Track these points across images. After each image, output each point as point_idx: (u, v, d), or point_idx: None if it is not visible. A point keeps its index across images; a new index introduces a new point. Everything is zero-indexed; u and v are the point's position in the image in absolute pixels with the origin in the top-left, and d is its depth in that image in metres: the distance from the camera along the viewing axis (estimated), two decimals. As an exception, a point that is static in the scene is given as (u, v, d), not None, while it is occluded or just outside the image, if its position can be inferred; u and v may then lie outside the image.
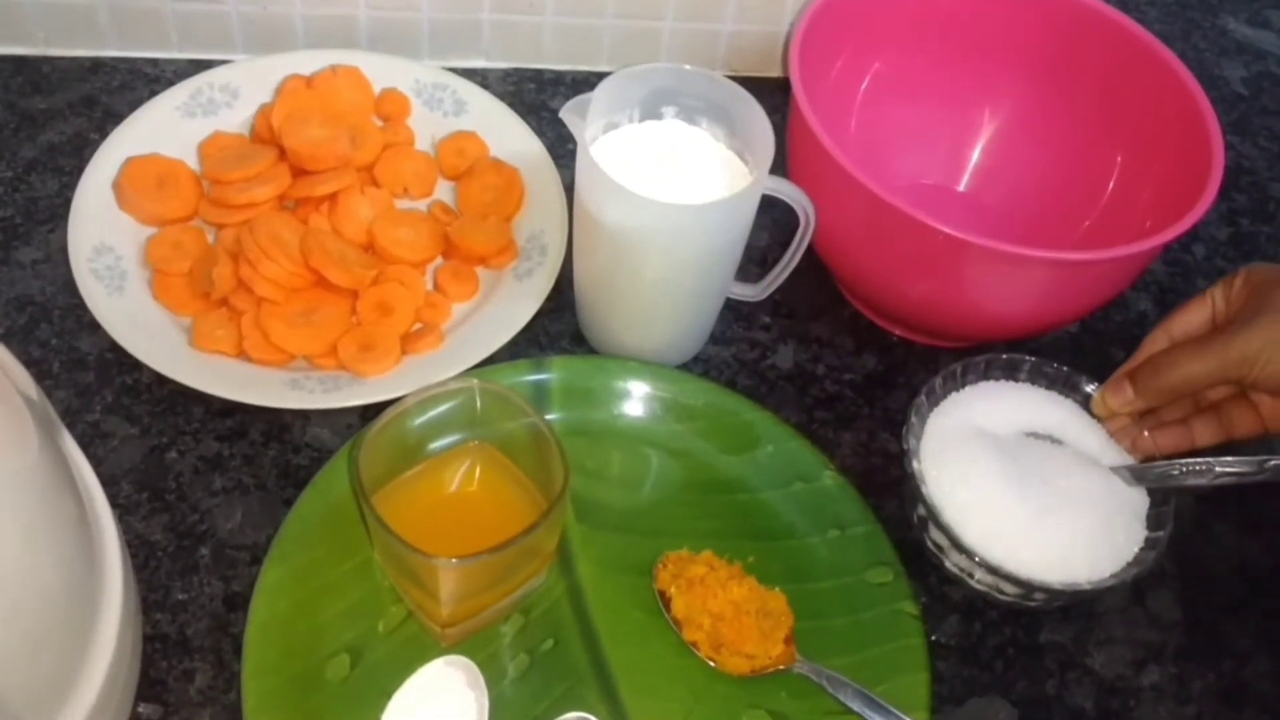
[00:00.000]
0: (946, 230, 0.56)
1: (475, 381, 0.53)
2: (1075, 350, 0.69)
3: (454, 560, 0.47)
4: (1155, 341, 0.59)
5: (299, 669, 0.51)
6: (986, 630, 0.58)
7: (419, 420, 0.52)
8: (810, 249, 0.61)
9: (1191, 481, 0.55)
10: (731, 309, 0.66)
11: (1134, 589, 0.59)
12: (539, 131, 0.72)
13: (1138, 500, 0.57)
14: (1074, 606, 0.58)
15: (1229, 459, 0.55)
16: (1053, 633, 0.58)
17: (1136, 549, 0.55)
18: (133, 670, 0.50)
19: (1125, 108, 0.67)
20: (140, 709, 0.51)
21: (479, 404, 0.53)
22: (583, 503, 0.57)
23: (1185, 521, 0.58)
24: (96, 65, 0.74)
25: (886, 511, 0.58)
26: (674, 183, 0.58)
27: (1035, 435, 0.59)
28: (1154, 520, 0.56)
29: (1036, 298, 0.61)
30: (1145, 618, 0.59)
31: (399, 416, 0.51)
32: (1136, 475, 0.57)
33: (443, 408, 0.53)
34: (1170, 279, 0.75)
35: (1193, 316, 0.58)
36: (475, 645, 0.52)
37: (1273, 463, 0.54)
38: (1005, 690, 0.56)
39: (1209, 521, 0.63)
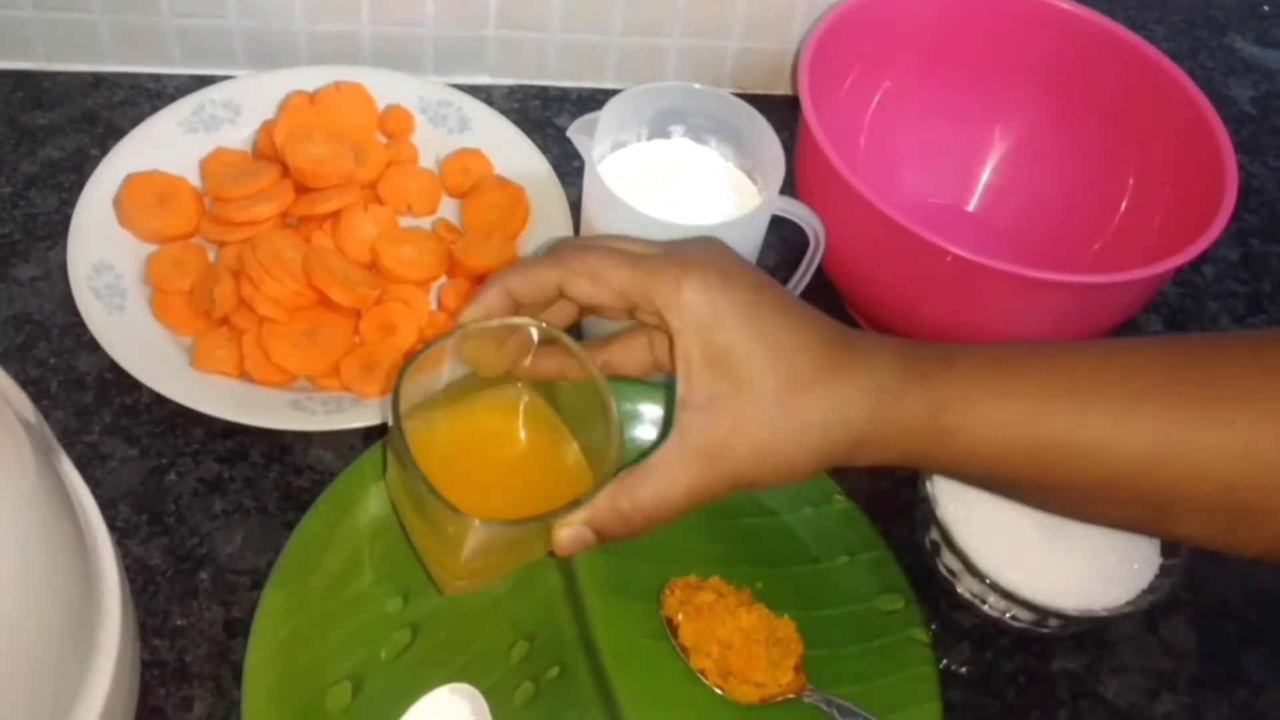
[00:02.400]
0: (957, 252, 0.55)
1: (543, 323, 0.47)
2: (1086, 372, 0.69)
3: (493, 522, 0.43)
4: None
5: (300, 698, 0.50)
6: (998, 658, 0.57)
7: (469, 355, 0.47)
8: (818, 269, 0.61)
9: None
10: (739, 329, 0.65)
11: (1147, 616, 0.58)
12: (544, 149, 0.71)
13: (1152, 526, 0.56)
14: (1086, 634, 0.58)
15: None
16: (1065, 660, 0.57)
17: (1152, 575, 0.54)
18: (131, 698, 0.49)
19: (1137, 129, 0.66)
20: (138, 738, 0.50)
21: (535, 348, 0.48)
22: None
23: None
24: (98, 80, 0.73)
25: (896, 537, 0.57)
26: (682, 202, 0.57)
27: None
28: (1169, 547, 0.55)
29: (1047, 320, 0.60)
30: (1159, 646, 0.58)
31: (450, 346, 0.46)
32: (1151, 501, 0.56)
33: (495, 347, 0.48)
34: (1180, 300, 0.74)
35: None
36: (479, 673, 0.51)
37: None
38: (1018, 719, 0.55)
39: (1222, 547, 0.62)
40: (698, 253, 0.45)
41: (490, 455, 0.50)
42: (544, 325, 0.47)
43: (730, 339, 0.43)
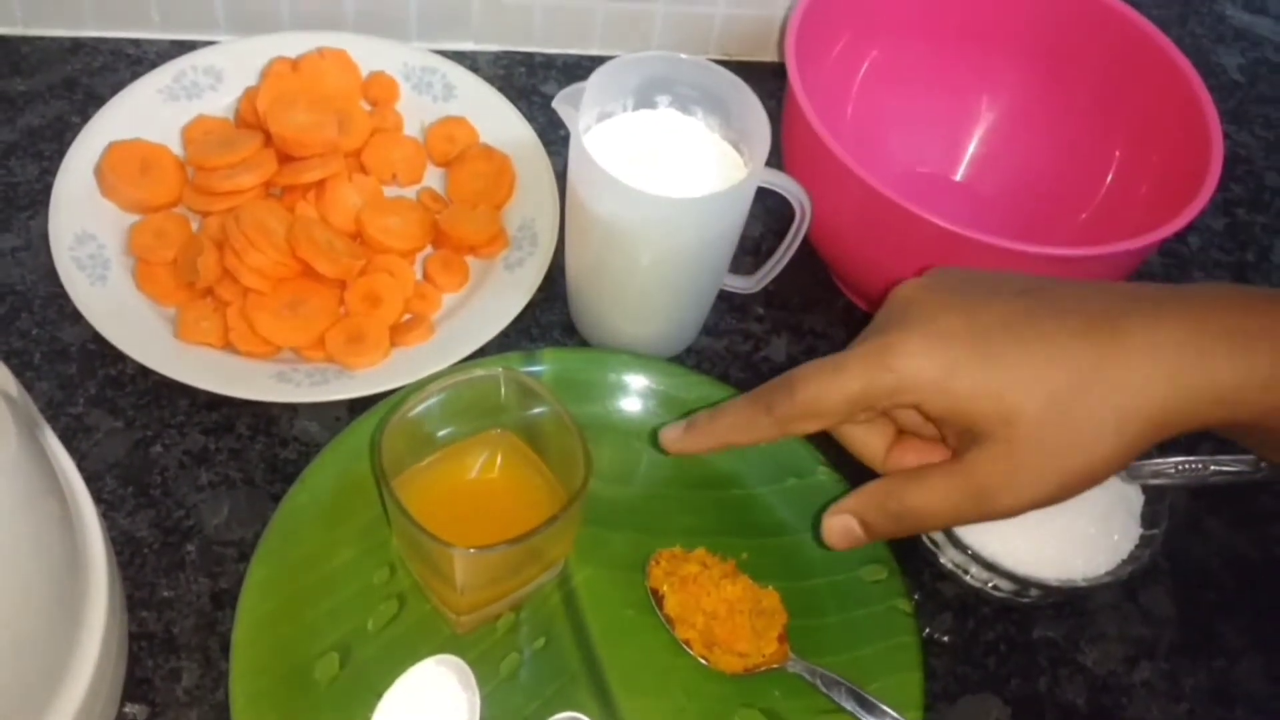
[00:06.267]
0: (941, 223, 0.55)
1: (500, 370, 0.52)
2: (1070, 342, 0.69)
3: (472, 550, 0.46)
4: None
5: (288, 669, 0.50)
6: (979, 627, 0.57)
7: (443, 406, 0.52)
8: (804, 239, 0.61)
9: (1187, 480, 0.55)
10: (724, 300, 0.65)
11: (1126, 585, 0.59)
12: (530, 116, 0.70)
13: (1133, 497, 0.56)
14: (1067, 603, 0.58)
15: (1225, 458, 0.55)
16: (1045, 629, 0.58)
17: (1132, 546, 0.55)
18: (118, 670, 0.49)
19: (1125, 98, 0.66)
20: (126, 709, 0.50)
21: (503, 392, 0.52)
22: (574, 498, 0.57)
23: (1177, 517, 0.58)
24: (76, 46, 0.72)
25: (880, 507, 0.58)
26: (668, 174, 0.57)
27: (1031, 431, 0.58)
28: (1149, 518, 0.56)
29: (1033, 291, 0.60)
30: (1138, 614, 0.59)
31: (423, 402, 0.51)
32: (1131, 472, 0.56)
33: (467, 395, 0.52)
34: (1165, 270, 0.74)
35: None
36: (466, 644, 0.52)
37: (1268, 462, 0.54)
38: (998, 687, 0.56)
39: (1201, 517, 0.62)
40: (894, 316, 0.44)
41: (475, 494, 0.54)
42: (507, 370, 0.52)
43: (967, 380, 0.41)
